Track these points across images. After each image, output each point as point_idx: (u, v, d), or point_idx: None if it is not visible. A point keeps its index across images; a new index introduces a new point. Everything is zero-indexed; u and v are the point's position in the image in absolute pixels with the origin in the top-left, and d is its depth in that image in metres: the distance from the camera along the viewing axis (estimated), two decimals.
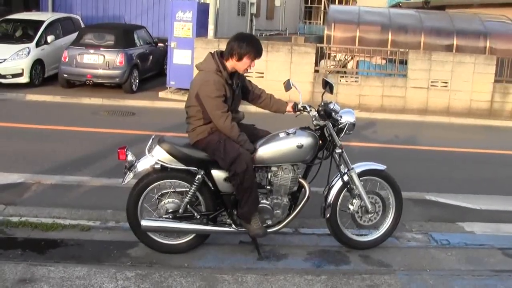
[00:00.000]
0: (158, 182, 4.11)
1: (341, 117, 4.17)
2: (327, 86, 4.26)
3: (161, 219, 4.09)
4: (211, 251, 4.26)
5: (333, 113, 4.17)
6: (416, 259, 4.37)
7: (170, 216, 4.09)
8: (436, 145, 9.17)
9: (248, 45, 3.96)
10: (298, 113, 4.33)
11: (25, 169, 6.33)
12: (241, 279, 3.78)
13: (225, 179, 4.03)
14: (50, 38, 12.85)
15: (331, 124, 4.15)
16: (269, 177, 4.12)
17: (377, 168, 4.40)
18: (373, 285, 3.82)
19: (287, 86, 4.35)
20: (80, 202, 5.35)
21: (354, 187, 4.27)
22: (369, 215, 4.36)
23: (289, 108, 4.36)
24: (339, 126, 4.17)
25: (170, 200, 4.11)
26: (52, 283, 3.57)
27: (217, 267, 4.01)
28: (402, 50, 12.81)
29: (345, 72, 13.16)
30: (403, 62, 12.68)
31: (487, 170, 7.74)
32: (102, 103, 11.39)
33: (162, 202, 4.12)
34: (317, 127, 4.24)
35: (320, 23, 36.85)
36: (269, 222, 4.15)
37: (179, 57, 12.53)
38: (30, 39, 12.55)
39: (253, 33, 14.84)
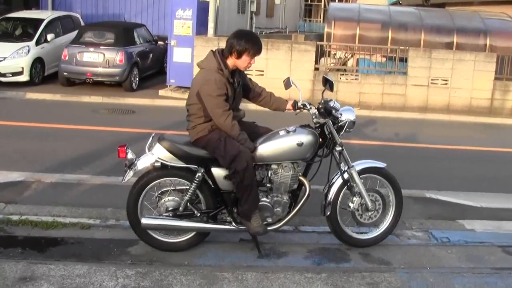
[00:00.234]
0: (158, 180, 4.10)
1: (341, 115, 4.16)
2: (327, 84, 4.26)
3: (161, 217, 4.10)
4: (211, 249, 4.25)
5: (333, 111, 4.17)
6: (416, 257, 4.36)
7: (170, 214, 4.09)
8: (436, 143, 9.17)
9: (247, 42, 3.95)
10: (298, 111, 4.33)
11: (25, 167, 6.33)
12: (241, 277, 3.78)
13: (225, 177, 4.03)
14: (50, 37, 12.85)
15: (331, 122, 4.15)
16: (269, 175, 4.12)
17: (377, 166, 4.40)
18: (373, 283, 3.82)
19: (287, 84, 4.33)
20: (80, 200, 5.35)
21: (354, 185, 4.27)
22: (369, 213, 4.35)
23: (289, 106, 4.35)
24: (339, 124, 4.16)
25: (170, 198, 4.11)
26: (52, 281, 3.57)
27: (217, 265, 4.01)
28: (402, 47, 12.80)
29: (345, 70, 13.16)
30: (403, 60, 12.67)
31: (487, 168, 7.74)
32: (102, 101, 11.38)
33: (162, 200, 4.12)
34: (317, 125, 4.23)
35: (320, 21, 36.75)
36: (269, 220, 4.15)
37: (179, 55, 12.52)
38: (30, 38, 12.54)
39: (253, 31, 14.81)
